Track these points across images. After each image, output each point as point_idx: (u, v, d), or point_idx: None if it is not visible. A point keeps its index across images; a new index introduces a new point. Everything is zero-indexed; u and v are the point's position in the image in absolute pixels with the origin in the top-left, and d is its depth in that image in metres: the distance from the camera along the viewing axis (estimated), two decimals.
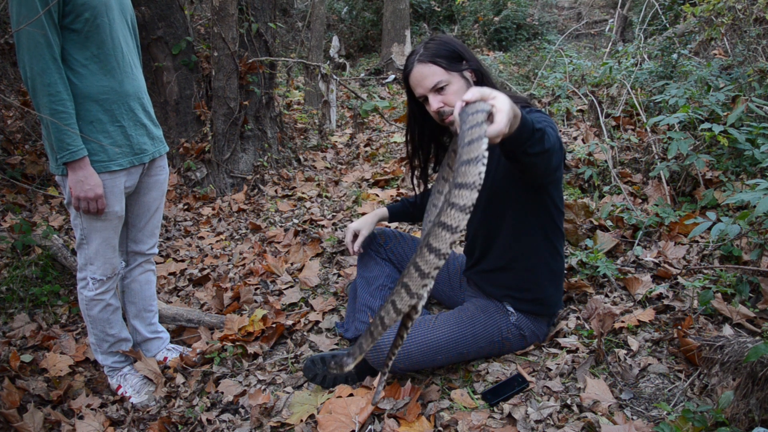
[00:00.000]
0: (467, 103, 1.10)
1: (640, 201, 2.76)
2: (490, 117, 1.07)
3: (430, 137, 1.84)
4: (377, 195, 3.58)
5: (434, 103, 1.59)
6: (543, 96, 5.05)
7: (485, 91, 1.10)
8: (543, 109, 1.65)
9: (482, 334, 1.76)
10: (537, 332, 1.84)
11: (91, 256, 1.95)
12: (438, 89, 1.58)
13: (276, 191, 4.02)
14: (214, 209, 3.84)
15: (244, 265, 3.03)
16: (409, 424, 1.61)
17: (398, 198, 3.55)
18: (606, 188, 2.93)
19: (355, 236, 2.08)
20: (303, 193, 3.95)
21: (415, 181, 1.95)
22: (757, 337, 1.63)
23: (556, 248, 1.77)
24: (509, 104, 1.08)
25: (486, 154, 1.04)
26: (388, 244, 2.12)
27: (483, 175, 1.04)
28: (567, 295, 2.15)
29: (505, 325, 1.78)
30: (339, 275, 2.72)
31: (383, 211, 2.13)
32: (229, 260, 3.16)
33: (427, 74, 1.58)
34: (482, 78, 1.65)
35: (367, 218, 2.11)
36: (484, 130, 1.05)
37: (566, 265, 2.29)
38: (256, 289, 2.74)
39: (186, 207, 3.90)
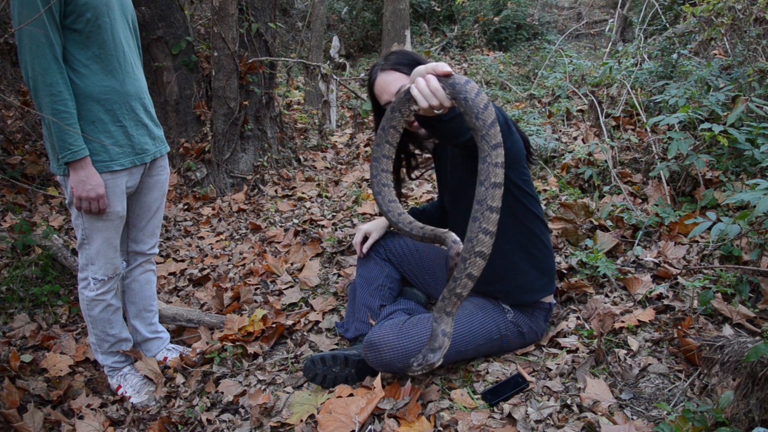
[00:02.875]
0: (447, 75, 1.19)
1: (640, 201, 2.76)
2: None
3: (398, 146, 1.88)
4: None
5: None
6: (543, 96, 5.05)
7: (436, 63, 1.24)
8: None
9: (480, 332, 1.77)
10: (535, 329, 1.85)
11: (92, 256, 1.95)
12: None
13: (276, 191, 4.02)
14: (214, 209, 3.84)
15: (244, 265, 3.03)
16: (409, 424, 1.61)
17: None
18: (606, 188, 2.93)
19: (365, 238, 2.12)
20: (303, 193, 3.95)
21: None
22: (757, 337, 1.63)
23: (531, 231, 1.78)
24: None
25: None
26: (388, 244, 2.14)
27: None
28: (567, 295, 2.15)
29: (503, 323, 1.80)
30: (339, 275, 2.72)
31: None
32: (229, 260, 3.16)
33: (390, 80, 1.70)
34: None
35: (378, 222, 2.15)
36: (486, 95, 1.18)
37: (566, 265, 2.29)
38: (256, 289, 2.74)
39: (186, 207, 3.90)
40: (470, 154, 1.61)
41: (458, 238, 1.31)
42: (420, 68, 1.25)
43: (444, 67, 1.19)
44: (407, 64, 1.72)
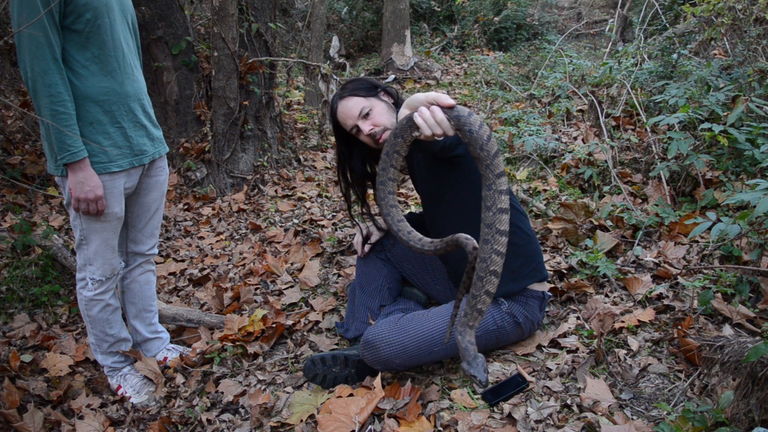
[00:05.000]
0: (451, 107, 1.27)
1: (640, 201, 2.76)
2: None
3: (362, 173, 2.02)
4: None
5: (365, 127, 1.79)
6: (543, 96, 5.05)
7: (435, 93, 1.32)
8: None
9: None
10: (531, 318, 1.86)
11: (90, 257, 1.95)
12: (364, 115, 1.79)
13: (276, 191, 4.02)
14: (214, 209, 3.83)
15: (244, 265, 3.03)
16: (409, 424, 1.61)
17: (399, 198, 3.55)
18: (606, 188, 2.93)
19: (365, 239, 2.14)
20: (303, 193, 3.95)
21: (354, 215, 2.11)
22: (757, 337, 1.63)
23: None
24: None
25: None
26: (387, 244, 2.14)
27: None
28: (567, 295, 2.15)
29: (498, 314, 1.81)
30: (339, 275, 2.72)
31: None
32: (229, 260, 3.16)
33: (351, 105, 1.80)
34: (397, 97, 1.90)
35: (380, 222, 2.17)
36: (487, 127, 1.25)
37: (566, 265, 2.29)
38: (256, 289, 2.74)
39: (186, 207, 3.90)
40: (437, 158, 1.71)
41: (468, 235, 1.37)
42: (420, 96, 1.33)
43: (447, 99, 1.27)
44: (364, 88, 1.83)
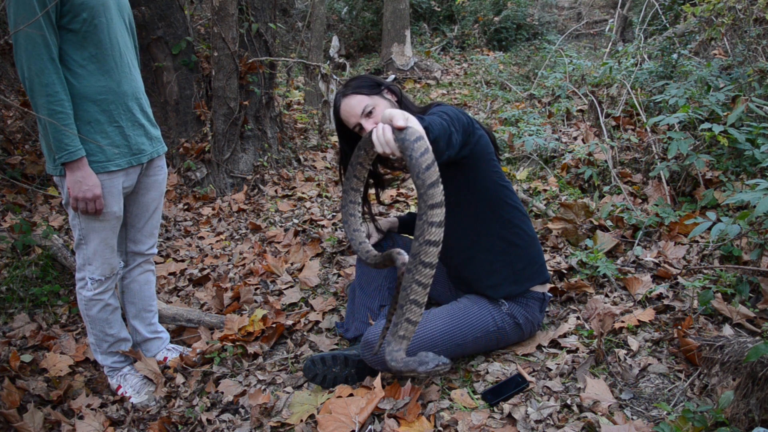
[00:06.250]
0: (401, 129, 1.22)
1: (640, 201, 2.76)
2: None
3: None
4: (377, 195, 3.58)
5: (368, 125, 1.77)
6: (543, 96, 5.05)
7: (402, 112, 1.26)
8: (448, 105, 1.80)
9: (477, 324, 1.79)
10: (531, 319, 1.86)
11: (89, 257, 1.95)
12: (367, 114, 1.77)
13: (276, 191, 4.02)
14: (214, 209, 3.83)
15: (244, 265, 3.03)
16: (409, 424, 1.61)
17: (398, 198, 3.55)
18: (606, 188, 2.93)
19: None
20: (303, 193, 3.95)
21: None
22: (757, 337, 1.63)
23: (508, 220, 1.82)
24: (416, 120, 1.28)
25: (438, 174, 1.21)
26: (387, 246, 2.15)
27: (443, 192, 1.23)
28: (567, 295, 2.15)
29: (498, 315, 1.82)
30: (339, 275, 2.72)
31: (394, 220, 2.24)
32: (229, 260, 3.16)
33: (354, 104, 1.78)
34: (400, 95, 1.87)
35: (379, 224, 2.18)
36: (432, 154, 1.21)
37: (566, 265, 2.29)
38: (256, 289, 2.74)
39: (186, 207, 3.89)
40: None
41: (402, 251, 1.41)
42: (386, 112, 1.29)
43: (398, 121, 1.23)
44: (367, 86, 1.82)
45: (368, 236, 2.15)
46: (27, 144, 4.15)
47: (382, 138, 1.27)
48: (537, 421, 1.54)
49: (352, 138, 1.90)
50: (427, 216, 1.22)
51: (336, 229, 3.19)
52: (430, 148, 1.21)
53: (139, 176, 2.03)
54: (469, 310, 1.81)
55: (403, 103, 1.87)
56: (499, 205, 1.81)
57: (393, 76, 7.55)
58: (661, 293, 2.01)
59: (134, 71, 1.98)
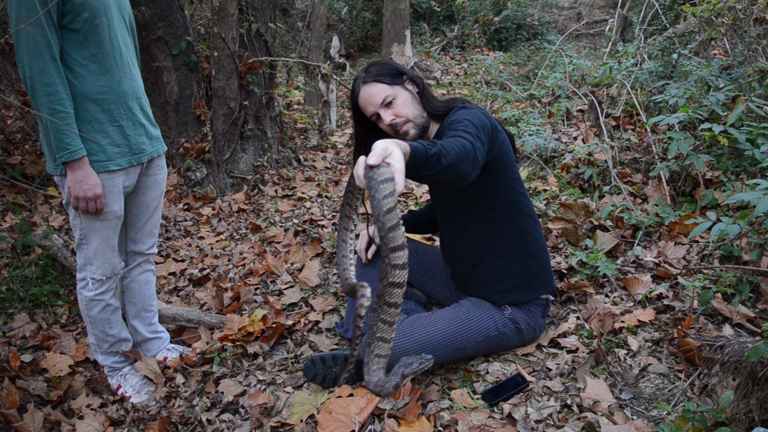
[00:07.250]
0: (371, 167, 1.16)
1: (640, 201, 2.76)
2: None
3: None
4: None
5: (386, 117, 1.72)
6: (543, 96, 5.05)
7: (385, 148, 1.17)
8: (472, 107, 1.69)
9: (478, 328, 1.78)
10: (533, 324, 1.85)
11: (90, 256, 1.95)
12: (387, 104, 1.71)
13: (276, 191, 4.02)
14: (214, 209, 3.83)
15: (244, 265, 3.03)
16: (409, 424, 1.61)
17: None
18: (606, 188, 2.93)
19: (370, 243, 2.10)
20: (303, 193, 3.95)
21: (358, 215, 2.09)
22: (757, 337, 1.63)
23: (523, 228, 1.80)
24: (401, 156, 1.18)
25: (401, 216, 1.19)
26: None
27: (405, 234, 1.20)
28: (567, 295, 2.15)
29: (500, 319, 1.81)
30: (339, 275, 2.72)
31: None
32: (229, 260, 3.16)
33: (374, 92, 1.71)
34: (422, 87, 1.80)
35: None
36: (396, 197, 1.17)
37: (566, 265, 2.29)
38: (256, 289, 2.74)
39: (186, 207, 3.89)
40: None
41: (369, 293, 1.44)
42: (375, 144, 1.21)
43: (370, 159, 1.17)
44: (389, 74, 1.73)
45: (371, 241, 2.11)
46: (27, 144, 4.15)
47: (356, 172, 1.22)
48: (537, 421, 1.54)
49: (368, 125, 1.82)
50: (389, 259, 1.20)
51: (336, 229, 3.19)
52: (397, 191, 1.15)
53: (139, 176, 2.03)
54: (472, 314, 1.80)
55: (424, 96, 1.79)
56: (517, 213, 1.79)
57: None
58: (661, 293, 2.01)
59: (134, 71, 1.99)
